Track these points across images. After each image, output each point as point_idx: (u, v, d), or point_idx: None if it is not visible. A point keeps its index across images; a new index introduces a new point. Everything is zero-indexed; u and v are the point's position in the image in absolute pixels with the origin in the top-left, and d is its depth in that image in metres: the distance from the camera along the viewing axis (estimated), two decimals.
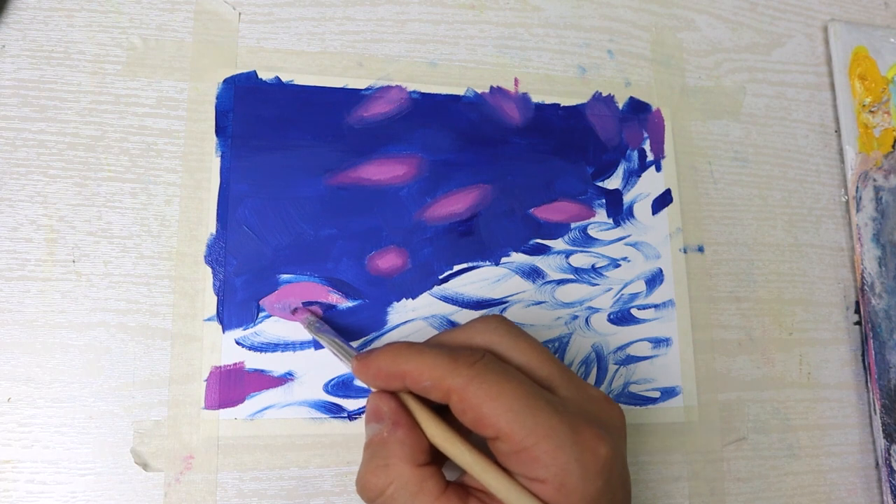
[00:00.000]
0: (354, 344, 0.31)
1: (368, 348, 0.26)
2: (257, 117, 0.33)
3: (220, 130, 0.32)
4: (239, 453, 0.29)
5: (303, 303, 0.31)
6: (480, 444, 0.24)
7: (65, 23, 0.32)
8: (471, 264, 0.34)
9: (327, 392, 0.31)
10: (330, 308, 0.31)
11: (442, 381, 0.23)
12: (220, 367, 0.30)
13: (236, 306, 0.31)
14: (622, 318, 0.35)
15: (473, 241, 0.34)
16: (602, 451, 0.23)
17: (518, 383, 0.23)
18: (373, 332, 0.32)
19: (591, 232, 0.35)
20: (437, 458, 0.24)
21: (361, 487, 0.24)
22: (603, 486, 0.23)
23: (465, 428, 0.24)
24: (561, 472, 0.22)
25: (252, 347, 0.30)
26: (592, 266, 0.35)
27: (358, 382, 0.31)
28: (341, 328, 0.31)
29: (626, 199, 0.36)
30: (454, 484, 0.24)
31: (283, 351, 0.31)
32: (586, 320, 0.34)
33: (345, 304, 0.32)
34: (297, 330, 0.31)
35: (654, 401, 0.34)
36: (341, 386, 0.31)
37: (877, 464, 0.37)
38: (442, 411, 0.25)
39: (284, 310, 0.31)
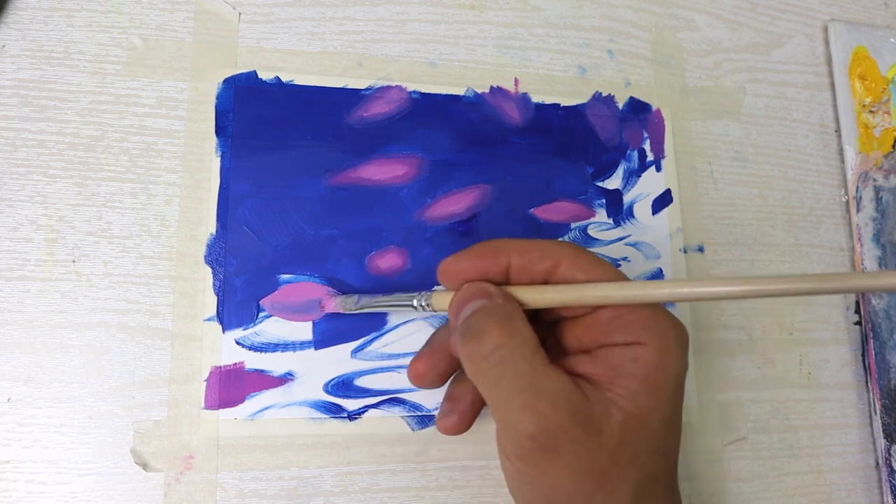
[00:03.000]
0: (355, 343, 0.31)
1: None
2: (257, 117, 0.33)
3: (220, 130, 0.32)
4: (239, 453, 0.29)
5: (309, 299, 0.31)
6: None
7: (65, 23, 0.32)
8: None
9: (327, 392, 0.31)
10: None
11: (551, 250, 0.25)
12: (220, 367, 0.30)
13: (236, 306, 0.31)
14: None
15: (473, 241, 0.34)
16: (686, 330, 0.25)
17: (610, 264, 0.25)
18: (373, 332, 0.32)
19: (591, 232, 0.35)
20: None
21: (476, 344, 0.23)
22: (686, 366, 0.24)
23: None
24: (661, 335, 0.23)
25: (252, 347, 0.30)
26: None
27: (363, 383, 0.31)
28: (345, 330, 0.31)
29: (626, 199, 0.36)
30: None
31: (283, 351, 0.31)
32: None
33: None
34: (297, 330, 0.31)
35: None
36: (341, 386, 0.31)
37: (877, 464, 0.37)
38: None
39: (286, 310, 0.31)
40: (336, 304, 0.31)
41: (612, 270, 0.25)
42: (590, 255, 0.25)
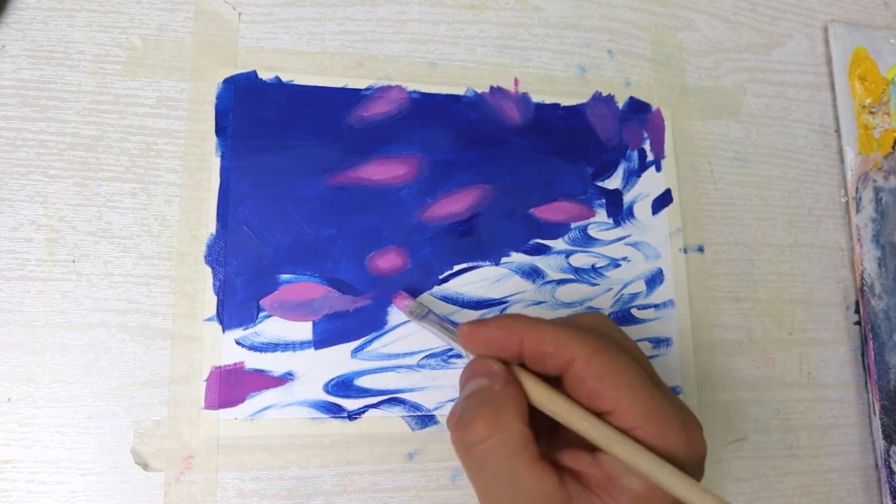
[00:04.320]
0: (355, 343, 0.31)
1: (474, 320, 0.25)
2: (257, 117, 0.33)
3: (220, 130, 0.32)
4: (239, 453, 0.30)
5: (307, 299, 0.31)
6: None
7: (65, 23, 0.32)
8: (471, 264, 0.34)
9: (327, 392, 0.31)
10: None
11: (566, 347, 0.23)
12: (220, 367, 0.30)
13: (236, 306, 0.31)
14: (622, 318, 0.35)
15: (473, 241, 0.34)
16: (702, 449, 0.23)
17: (637, 367, 0.23)
18: (373, 332, 0.32)
19: (591, 232, 0.35)
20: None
21: (463, 431, 0.23)
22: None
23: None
24: (667, 457, 0.22)
25: (252, 347, 0.30)
26: (592, 266, 0.35)
27: (363, 383, 0.31)
28: (345, 330, 0.31)
29: (626, 199, 0.36)
30: (546, 457, 0.23)
31: (283, 351, 0.31)
32: None
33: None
34: (297, 330, 0.31)
35: None
36: (341, 386, 0.31)
37: (876, 465, 0.37)
38: None
39: (286, 310, 0.31)
40: (406, 306, 0.31)
41: (628, 379, 0.23)
42: (609, 355, 0.23)
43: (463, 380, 0.25)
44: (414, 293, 0.33)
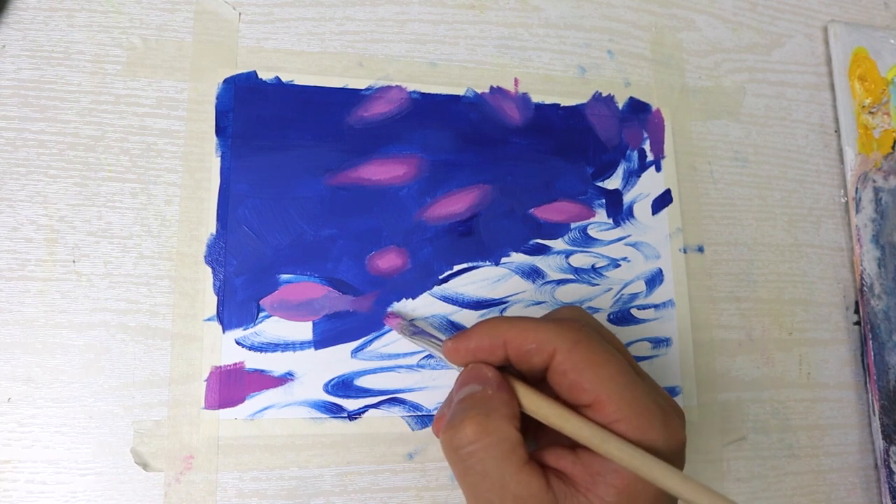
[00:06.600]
0: (355, 343, 0.31)
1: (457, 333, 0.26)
2: (257, 117, 0.33)
3: (220, 130, 0.32)
4: (239, 453, 0.30)
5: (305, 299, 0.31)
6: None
7: (65, 23, 0.32)
8: (471, 264, 0.34)
9: (327, 392, 0.31)
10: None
11: (548, 342, 0.23)
12: (220, 367, 0.30)
13: (236, 306, 0.31)
14: (622, 318, 0.35)
15: (473, 241, 0.34)
16: (683, 439, 0.23)
17: (618, 358, 0.24)
18: (373, 332, 0.32)
19: (591, 232, 0.36)
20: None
21: (452, 433, 0.23)
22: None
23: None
24: (648, 450, 0.22)
25: (252, 347, 0.30)
26: (592, 266, 0.35)
27: (363, 383, 0.31)
28: (345, 330, 0.31)
29: (626, 199, 0.36)
30: (532, 459, 0.24)
31: (283, 351, 0.31)
32: None
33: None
34: (297, 330, 0.31)
35: None
36: (341, 386, 0.31)
37: (876, 465, 0.37)
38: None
39: (286, 310, 0.31)
40: (397, 324, 0.31)
41: (608, 372, 0.23)
42: (590, 346, 0.23)
43: (457, 386, 0.26)
44: (414, 293, 0.33)
